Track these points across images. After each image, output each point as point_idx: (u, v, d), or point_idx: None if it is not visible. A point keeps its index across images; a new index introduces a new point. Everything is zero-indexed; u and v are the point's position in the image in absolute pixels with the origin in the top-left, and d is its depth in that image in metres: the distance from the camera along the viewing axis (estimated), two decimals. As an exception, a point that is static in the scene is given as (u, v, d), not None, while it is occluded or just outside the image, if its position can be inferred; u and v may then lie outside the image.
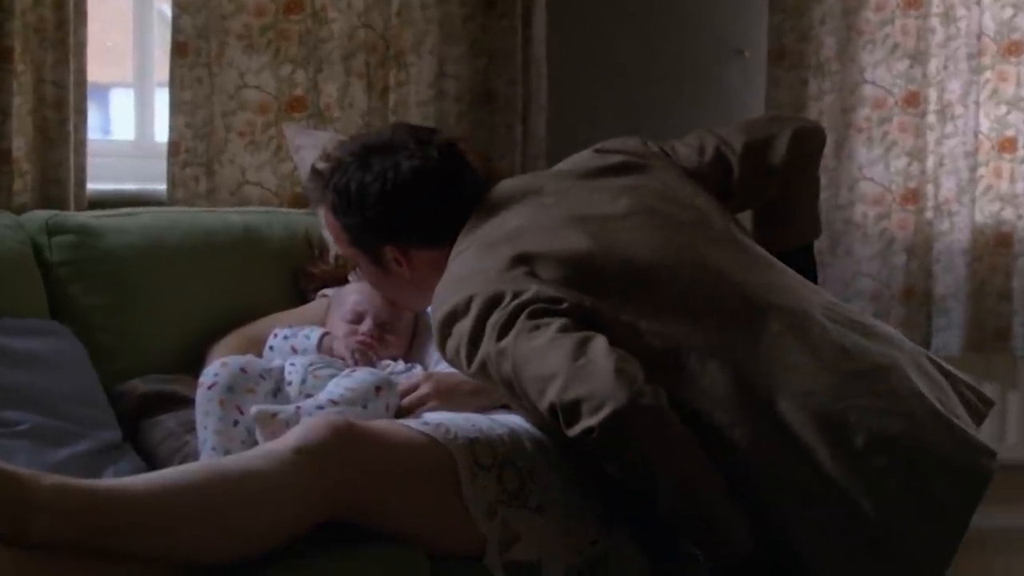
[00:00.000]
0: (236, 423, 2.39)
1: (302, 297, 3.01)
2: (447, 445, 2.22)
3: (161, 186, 3.39)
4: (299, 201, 3.39)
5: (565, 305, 2.15)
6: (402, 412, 2.47)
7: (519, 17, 3.68)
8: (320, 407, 2.36)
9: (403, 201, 2.39)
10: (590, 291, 2.18)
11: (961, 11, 3.75)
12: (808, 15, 3.79)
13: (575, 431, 2.02)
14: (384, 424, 2.27)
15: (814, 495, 2.09)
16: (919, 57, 3.80)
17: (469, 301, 2.18)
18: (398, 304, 2.66)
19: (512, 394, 2.16)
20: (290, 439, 2.10)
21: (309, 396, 2.46)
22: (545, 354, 2.06)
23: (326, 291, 2.94)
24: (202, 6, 3.39)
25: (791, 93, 3.81)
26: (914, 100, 3.81)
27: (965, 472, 2.11)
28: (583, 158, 2.50)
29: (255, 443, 2.30)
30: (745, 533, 2.05)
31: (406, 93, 3.61)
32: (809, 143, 2.58)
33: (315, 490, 2.06)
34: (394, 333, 2.73)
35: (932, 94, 3.80)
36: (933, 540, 2.09)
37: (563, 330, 2.09)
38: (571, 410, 2.01)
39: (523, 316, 2.12)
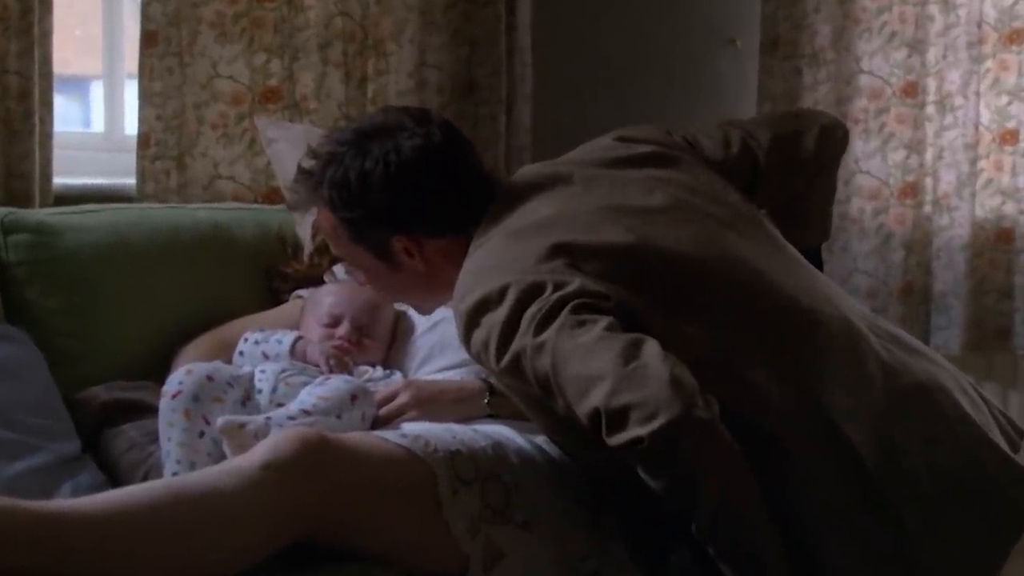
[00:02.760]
0: (202, 435, 2.29)
1: (275, 298, 2.93)
2: (426, 459, 2.13)
3: (131, 180, 3.34)
4: (274, 196, 3.34)
5: (611, 302, 2.01)
6: (379, 422, 2.38)
7: (503, 4, 3.65)
8: (291, 418, 2.27)
9: (410, 184, 2.23)
10: (633, 288, 2.05)
11: None
12: (802, 3, 3.77)
13: (619, 439, 1.87)
14: (359, 437, 2.18)
15: (855, 517, 2.00)
16: (917, 46, 3.76)
17: (504, 291, 2.03)
18: (408, 304, 2.52)
19: (545, 393, 2.00)
20: (258, 454, 2.02)
21: (281, 405, 2.37)
22: (591, 353, 1.92)
23: (300, 292, 2.86)
24: None
25: (784, 83, 3.79)
26: (912, 91, 3.77)
27: (1013, 505, 2.03)
28: (605, 146, 2.36)
29: (222, 456, 2.22)
30: (782, 558, 1.94)
31: (385, 83, 3.57)
32: (837, 141, 2.51)
33: (285, 509, 1.97)
34: (372, 337, 2.64)
35: (931, 84, 3.77)
36: (970, 571, 2.01)
37: (610, 329, 1.95)
38: (618, 417, 1.86)
39: (566, 310, 1.97)
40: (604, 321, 1.94)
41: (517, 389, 2.14)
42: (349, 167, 2.23)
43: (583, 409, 1.90)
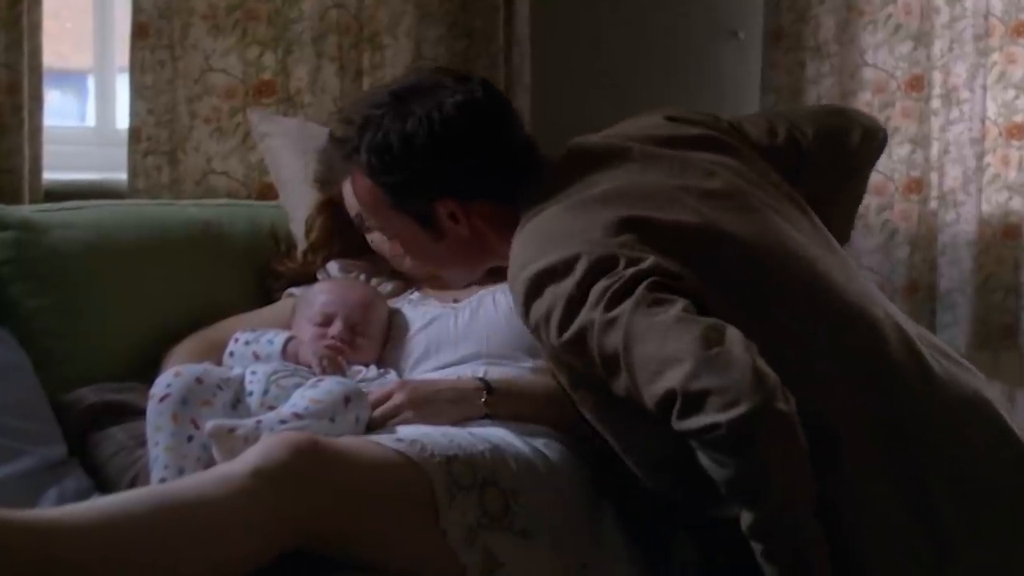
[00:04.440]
0: (191, 439, 2.23)
1: (267, 297, 2.87)
2: (422, 464, 2.09)
3: (123, 176, 3.30)
4: (268, 192, 3.29)
5: (684, 283, 1.95)
6: (374, 424, 2.33)
7: None
8: (283, 421, 2.21)
9: (456, 143, 2.17)
10: (700, 271, 1.99)
11: None
12: None
13: (692, 424, 1.81)
14: (352, 441, 2.13)
15: (903, 528, 1.96)
16: (923, 38, 3.75)
17: (572, 261, 1.96)
18: (445, 275, 2.44)
19: (606, 371, 1.94)
20: (248, 460, 1.96)
21: (272, 408, 2.31)
22: (669, 333, 1.85)
23: (293, 290, 2.80)
24: None
25: (788, 76, 3.79)
26: (917, 84, 3.76)
27: None
28: (655, 124, 2.30)
29: (212, 460, 2.17)
30: (827, 561, 1.89)
31: (381, 77, 3.51)
32: (877, 144, 2.48)
33: (275, 518, 1.92)
34: (366, 336, 2.59)
35: (936, 77, 3.76)
36: None
37: (687, 311, 1.89)
38: (696, 401, 1.80)
39: (642, 287, 1.90)
40: (681, 302, 1.89)
41: (565, 365, 2.07)
42: (390, 129, 2.16)
43: (655, 390, 1.84)
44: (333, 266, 2.79)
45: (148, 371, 2.55)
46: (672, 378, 1.81)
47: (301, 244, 2.89)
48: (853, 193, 2.48)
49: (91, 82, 3.63)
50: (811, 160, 2.33)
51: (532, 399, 2.37)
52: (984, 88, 3.68)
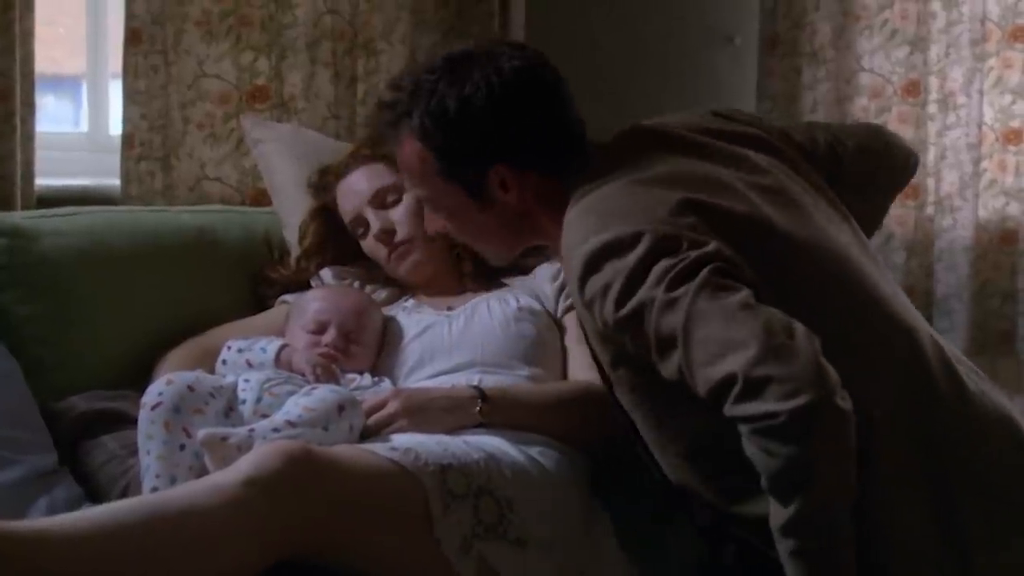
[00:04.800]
0: (183, 447, 2.21)
1: (260, 304, 2.85)
2: (417, 473, 2.08)
3: (116, 182, 3.29)
4: (262, 198, 3.27)
5: (743, 272, 1.95)
6: (368, 432, 2.31)
7: (496, 2, 3.62)
8: (276, 430, 2.19)
9: (514, 108, 2.14)
10: (755, 263, 1.98)
11: None
12: (802, 0, 3.74)
13: (749, 410, 1.81)
14: (346, 450, 2.11)
15: (928, 540, 1.97)
16: (919, 43, 3.74)
17: (635, 238, 1.94)
18: (486, 251, 2.39)
19: (660, 351, 1.92)
20: (240, 469, 1.95)
21: (265, 416, 2.29)
22: (734, 319, 1.85)
23: (286, 297, 2.78)
24: None
25: (784, 82, 3.79)
26: (914, 89, 3.75)
27: None
28: (705, 118, 2.29)
29: (205, 469, 2.15)
30: (854, 567, 1.89)
31: (376, 83, 3.51)
32: (909, 168, 2.51)
33: (268, 528, 1.91)
34: (360, 343, 2.57)
35: (933, 82, 3.75)
36: None
37: (751, 300, 1.89)
38: (756, 386, 1.80)
39: (707, 271, 1.90)
40: (745, 290, 1.89)
41: (611, 343, 2.06)
42: (446, 94, 2.13)
43: (713, 372, 1.83)
44: (327, 273, 2.77)
45: (140, 379, 2.54)
46: (734, 362, 1.81)
47: (295, 250, 2.87)
48: (876, 213, 2.48)
49: (84, 88, 3.63)
50: (847, 173, 2.32)
51: (527, 408, 2.36)
52: (981, 93, 3.67)
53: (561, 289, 2.62)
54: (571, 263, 2.01)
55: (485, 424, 2.32)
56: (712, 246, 1.93)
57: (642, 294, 1.91)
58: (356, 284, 2.75)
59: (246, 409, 2.33)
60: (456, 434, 2.28)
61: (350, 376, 2.49)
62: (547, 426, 2.34)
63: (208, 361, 2.55)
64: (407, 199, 2.69)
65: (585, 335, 2.17)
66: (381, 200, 2.71)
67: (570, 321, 2.59)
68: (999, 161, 3.74)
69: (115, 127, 3.40)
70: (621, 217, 1.98)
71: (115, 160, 3.27)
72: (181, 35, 3.31)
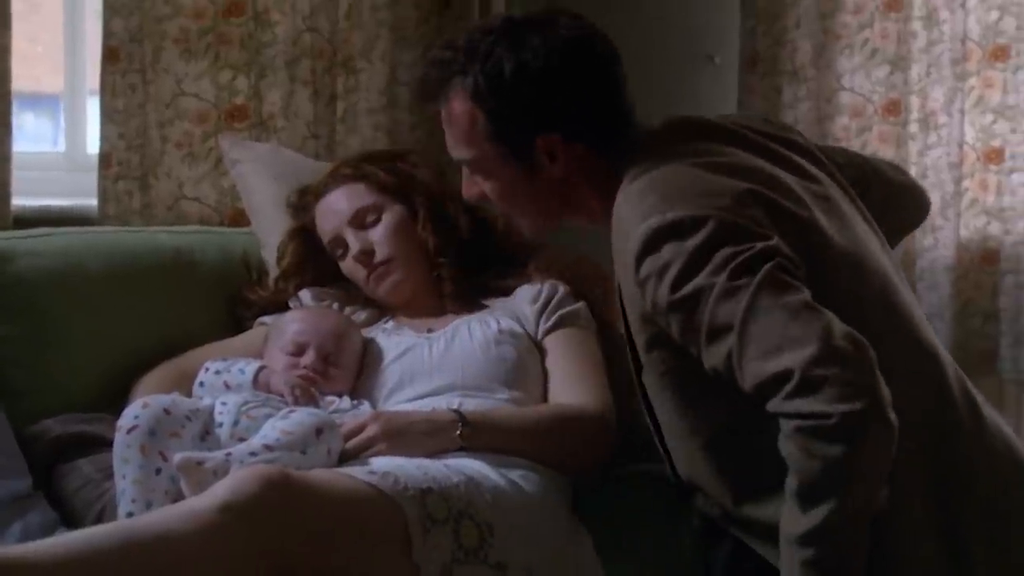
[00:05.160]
0: (159, 471, 2.20)
1: (239, 325, 2.83)
2: (396, 497, 2.07)
3: (93, 201, 3.27)
4: (240, 218, 3.25)
5: (800, 272, 1.95)
6: (346, 456, 2.30)
7: (477, 19, 3.59)
8: (253, 453, 2.18)
9: (571, 77, 2.12)
10: (809, 267, 1.98)
11: (944, 14, 3.66)
12: (782, 18, 3.72)
13: (800, 407, 1.81)
14: (324, 475, 2.11)
15: (934, 567, 1.98)
16: (900, 63, 3.71)
17: (700, 221, 1.93)
18: (524, 221, 2.33)
19: (709, 338, 1.91)
20: (217, 494, 1.94)
21: (242, 439, 2.28)
22: (797, 316, 1.85)
23: (264, 319, 2.76)
24: (135, 8, 3.25)
25: (765, 101, 3.76)
26: (895, 108, 3.72)
27: None
28: (753, 120, 2.30)
29: (181, 493, 2.13)
30: None
31: (355, 101, 3.49)
32: (924, 211, 2.56)
33: (245, 555, 1.90)
34: (339, 366, 2.55)
35: (914, 102, 3.72)
36: None
37: (812, 301, 1.90)
38: (812, 385, 1.80)
39: (770, 265, 1.89)
40: (806, 291, 1.89)
41: (651, 324, 2.04)
42: (503, 56, 2.11)
43: (767, 367, 1.84)
44: (306, 294, 2.75)
45: (117, 402, 2.51)
46: (791, 359, 1.81)
47: (273, 271, 2.85)
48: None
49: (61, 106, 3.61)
50: (872, 200, 2.31)
51: (508, 432, 2.35)
52: (962, 112, 3.66)
53: (542, 311, 2.61)
54: (627, 240, 1.99)
55: (466, 448, 2.31)
56: (775, 241, 1.94)
57: (701, 279, 1.90)
58: (335, 305, 2.73)
59: (223, 432, 2.31)
60: (436, 458, 2.27)
61: (329, 398, 2.47)
62: (528, 450, 2.33)
63: (185, 383, 2.53)
64: (386, 219, 2.68)
65: (623, 311, 2.13)
66: (360, 220, 2.69)
67: (551, 343, 2.58)
68: (980, 180, 3.72)
69: (93, 146, 3.39)
70: (684, 199, 1.97)
71: (93, 179, 3.26)
72: (159, 53, 3.28)
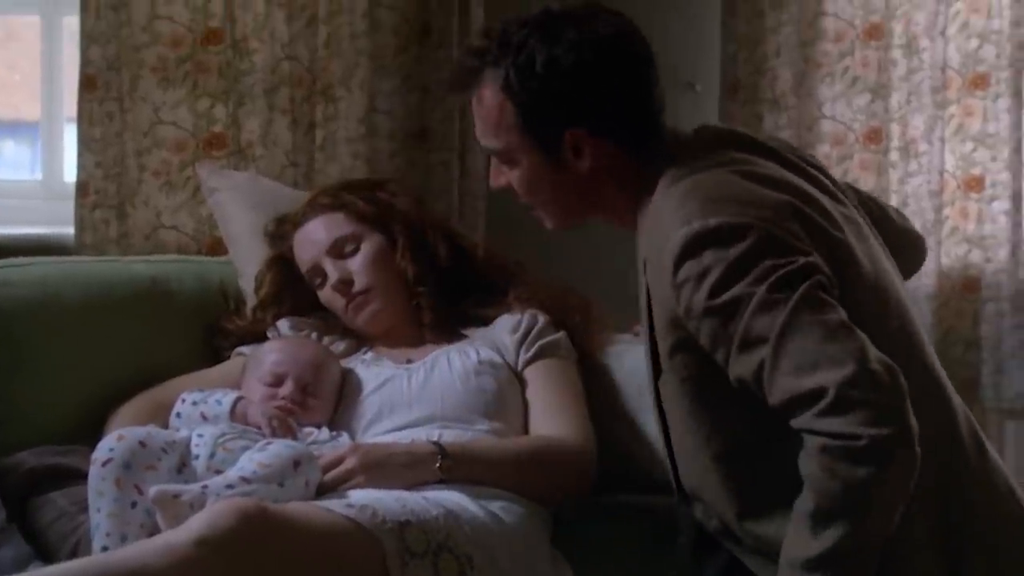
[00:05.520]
0: (134, 505, 2.16)
1: (216, 356, 2.80)
2: (374, 531, 2.04)
3: (70, 230, 3.27)
4: (218, 247, 3.23)
5: (835, 293, 1.95)
6: (324, 489, 2.27)
7: (456, 47, 3.55)
8: (230, 486, 2.15)
9: (603, 72, 2.11)
10: (841, 284, 1.98)
11: (925, 42, 3.69)
12: (763, 46, 3.74)
13: (830, 426, 1.82)
14: (302, 508, 2.08)
15: None
16: (880, 91, 3.74)
17: (743, 230, 1.93)
18: (547, 213, 2.30)
19: (741, 348, 1.91)
20: (193, 528, 1.91)
21: (219, 472, 2.25)
22: (835, 336, 1.86)
23: (242, 349, 2.73)
24: (113, 36, 3.27)
25: (745, 129, 3.65)
26: (875, 136, 3.75)
27: None
28: (780, 142, 2.29)
29: (156, 527, 2.10)
30: None
31: (334, 129, 3.48)
32: (922, 259, 2.59)
33: None
34: (318, 396, 2.52)
35: (894, 130, 3.74)
36: None
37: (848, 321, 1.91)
38: (846, 405, 1.82)
39: (810, 282, 1.90)
40: (842, 311, 1.90)
41: (679, 329, 2.02)
42: (537, 49, 2.10)
43: (800, 383, 1.85)
44: (284, 324, 2.72)
45: (93, 433, 2.48)
46: (827, 377, 1.83)
47: (251, 301, 2.82)
48: None
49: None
50: (886, 239, 2.31)
51: (487, 463, 2.33)
52: (942, 140, 3.67)
53: (522, 341, 2.59)
54: (665, 241, 1.99)
55: (445, 480, 2.29)
56: (815, 257, 1.95)
57: (741, 288, 1.91)
58: (314, 335, 2.70)
59: (200, 464, 2.28)
60: (415, 490, 2.24)
61: (307, 430, 2.44)
62: (508, 482, 2.31)
63: (162, 414, 2.50)
64: (365, 248, 2.66)
65: (649, 312, 2.11)
66: (339, 250, 2.67)
67: (531, 374, 2.56)
68: (961, 208, 3.73)
69: (70, 174, 3.38)
70: (727, 206, 1.97)
71: (70, 208, 3.25)
72: (137, 81, 3.28)
